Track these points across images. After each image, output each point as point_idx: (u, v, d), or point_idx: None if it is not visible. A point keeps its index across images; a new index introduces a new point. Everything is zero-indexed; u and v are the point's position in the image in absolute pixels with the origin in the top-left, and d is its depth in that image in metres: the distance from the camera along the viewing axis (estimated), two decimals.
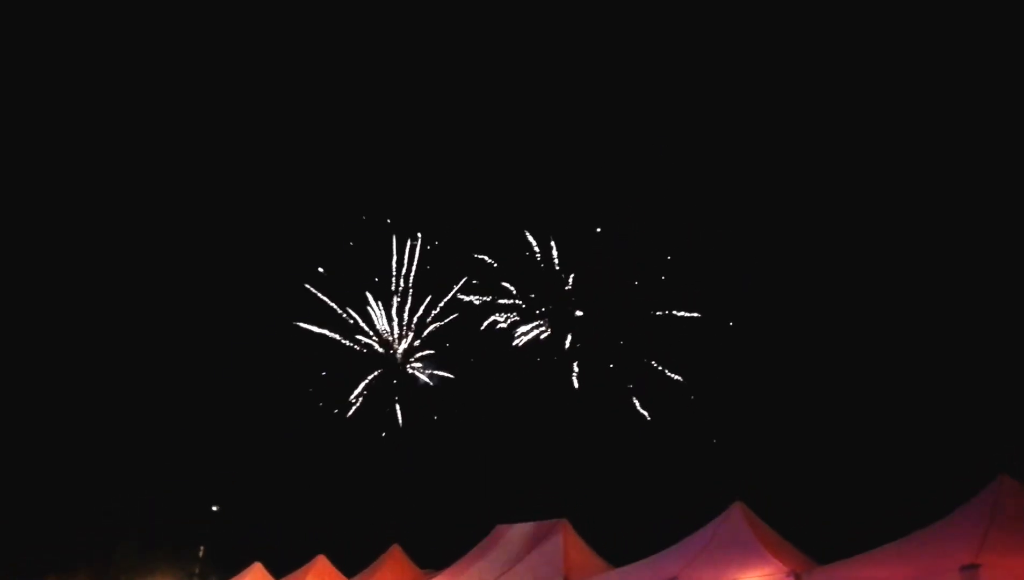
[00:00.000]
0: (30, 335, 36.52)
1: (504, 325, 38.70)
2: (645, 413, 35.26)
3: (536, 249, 38.49)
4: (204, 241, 39.24)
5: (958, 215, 26.29)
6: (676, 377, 35.08)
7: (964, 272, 25.69)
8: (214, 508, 39.02)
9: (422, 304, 40.56)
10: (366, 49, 38.61)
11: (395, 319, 40.63)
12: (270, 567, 27.62)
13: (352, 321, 40.34)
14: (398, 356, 40.57)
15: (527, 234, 38.46)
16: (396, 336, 40.62)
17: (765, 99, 32.53)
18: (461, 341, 39.80)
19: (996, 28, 25.97)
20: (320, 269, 40.04)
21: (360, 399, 40.18)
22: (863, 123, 29.72)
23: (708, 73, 33.82)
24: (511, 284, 38.98)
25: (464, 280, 39.57)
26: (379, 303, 40.52)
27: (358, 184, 39.74)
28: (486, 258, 39.01)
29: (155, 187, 38.65)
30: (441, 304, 40.12)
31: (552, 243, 38.39)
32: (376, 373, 40.29)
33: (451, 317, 40.10)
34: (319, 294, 40.06)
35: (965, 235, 26.11)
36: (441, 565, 23.04)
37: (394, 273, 40.51)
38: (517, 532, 21.68)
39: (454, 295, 39.87)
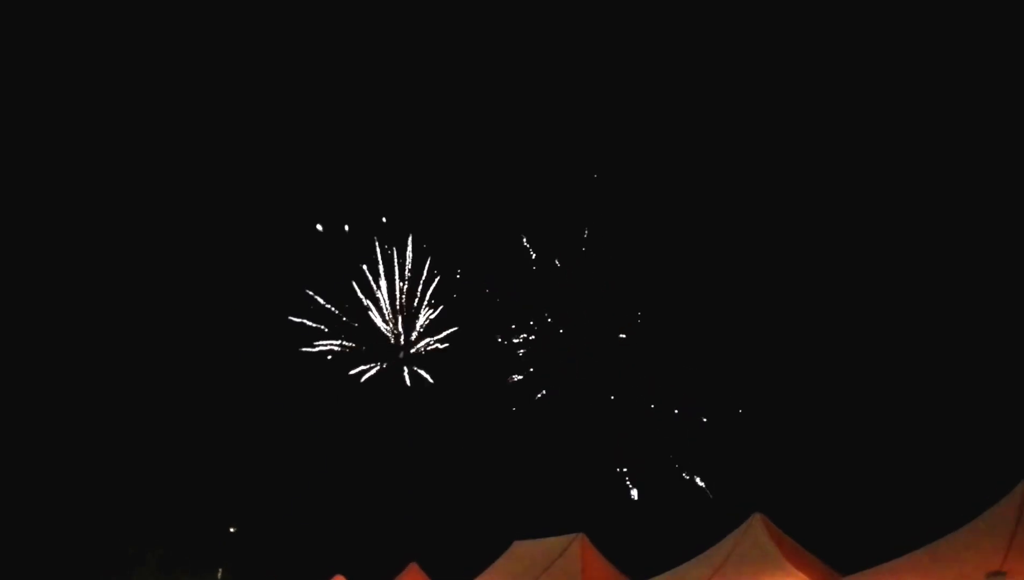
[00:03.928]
0: (42, 355, 36.58)
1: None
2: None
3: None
4: (222, 255, 39.30)
5: (977, 216, 26.03)
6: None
7: (985, 278, 25.44)
8: (232, 529, 39.00)
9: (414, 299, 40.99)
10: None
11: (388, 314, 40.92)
12: None
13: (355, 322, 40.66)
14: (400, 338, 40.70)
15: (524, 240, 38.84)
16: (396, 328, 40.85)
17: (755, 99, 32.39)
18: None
19: (996, 28, 25.82)
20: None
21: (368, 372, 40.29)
22: (862, 121, 29.58)
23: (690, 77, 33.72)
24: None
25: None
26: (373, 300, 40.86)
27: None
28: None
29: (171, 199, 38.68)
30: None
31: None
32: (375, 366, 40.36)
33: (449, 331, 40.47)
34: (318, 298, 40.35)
35: (989, 241, 25.80)
36: None
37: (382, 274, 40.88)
38: (535, 548, 21.52)
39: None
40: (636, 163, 35.60)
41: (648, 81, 34.81)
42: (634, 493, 32.28)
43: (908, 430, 25.34)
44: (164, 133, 38.31)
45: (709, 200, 33.22)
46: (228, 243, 39.04)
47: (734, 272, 32.29)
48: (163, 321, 38.34)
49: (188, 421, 37.53)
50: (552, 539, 21.26)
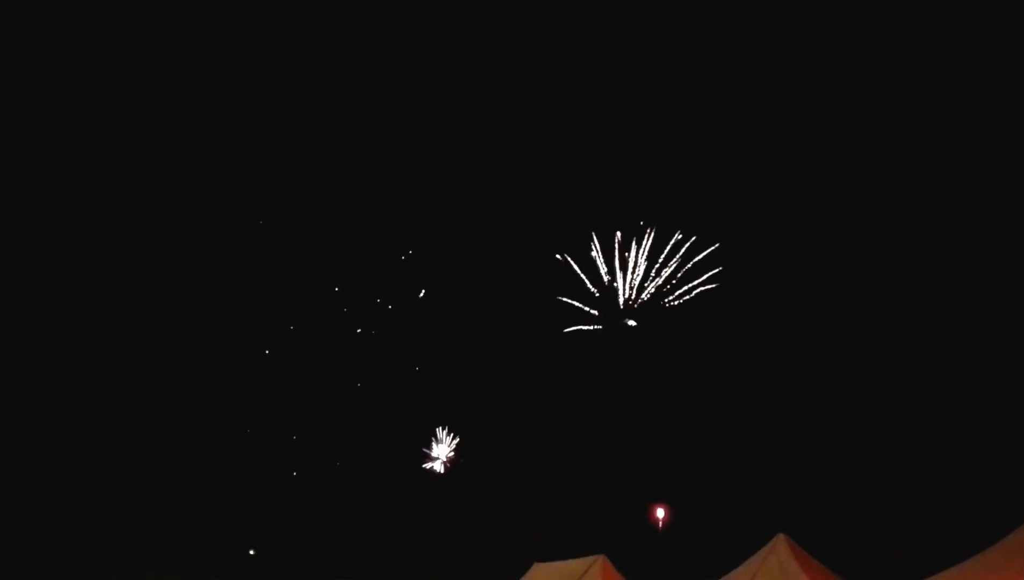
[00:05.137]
0: (50, 357, 36.50)
1: None
2: None
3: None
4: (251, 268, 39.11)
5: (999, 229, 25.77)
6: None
7: (1009, 299, 25.19)
8: (251, 552, 38.94)
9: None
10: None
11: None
12: None
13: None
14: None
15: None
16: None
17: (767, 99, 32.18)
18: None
19: (996, 28, 25.67)
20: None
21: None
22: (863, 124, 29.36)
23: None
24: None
25: None
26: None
27: None
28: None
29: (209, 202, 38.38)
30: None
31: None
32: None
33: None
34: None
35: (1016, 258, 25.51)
36: None
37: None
38: (555, 570, 21.33)
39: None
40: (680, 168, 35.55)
41: (650, 82, 34.84)
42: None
43: (935, 451, 25.06)
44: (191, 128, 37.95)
45: (746, 207, 33.13)
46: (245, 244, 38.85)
47: (759, 290, 32.16)
48: (175, 329, 38.25)
49: (208, 449, 37.59)
50: (572, 561, 21.06)
